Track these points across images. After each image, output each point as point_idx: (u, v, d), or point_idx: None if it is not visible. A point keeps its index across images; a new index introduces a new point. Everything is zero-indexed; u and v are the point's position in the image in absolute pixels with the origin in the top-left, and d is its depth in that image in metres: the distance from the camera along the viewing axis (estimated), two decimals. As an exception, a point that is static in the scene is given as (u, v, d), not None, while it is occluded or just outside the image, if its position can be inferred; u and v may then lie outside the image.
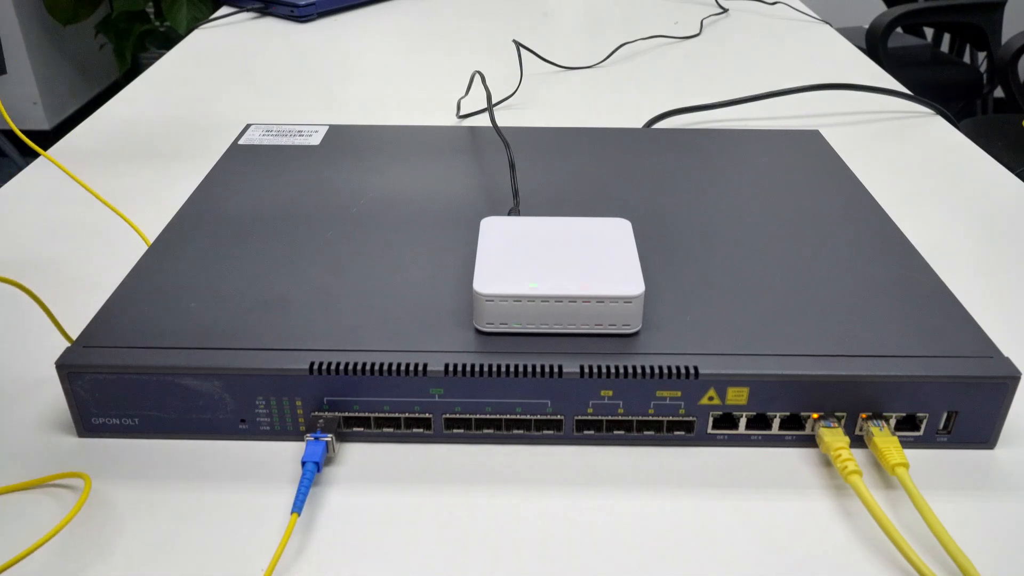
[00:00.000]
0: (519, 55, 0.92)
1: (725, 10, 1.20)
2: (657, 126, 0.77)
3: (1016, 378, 0.39)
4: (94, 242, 0.59)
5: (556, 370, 0.39)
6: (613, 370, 0.39)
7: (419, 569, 0.35)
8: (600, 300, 0.40)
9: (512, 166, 0.57)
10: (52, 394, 0.44)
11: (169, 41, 2.64)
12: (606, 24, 1.16)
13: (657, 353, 0.40)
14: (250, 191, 0.55)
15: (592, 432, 0.41)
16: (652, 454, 0.41)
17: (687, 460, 0.40)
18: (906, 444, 0.41)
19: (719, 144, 0.64)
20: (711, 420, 0.40)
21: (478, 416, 0.40)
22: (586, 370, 0.39)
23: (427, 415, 0.40)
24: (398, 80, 0.92)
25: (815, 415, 0.40)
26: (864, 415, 0.40)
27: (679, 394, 0.40)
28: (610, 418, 0.40)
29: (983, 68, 2.11)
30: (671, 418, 0.40)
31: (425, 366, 0.39)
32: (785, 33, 1.12)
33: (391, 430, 0.41)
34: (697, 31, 1.10)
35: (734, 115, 0.81)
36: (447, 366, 0.39)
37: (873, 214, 0.53)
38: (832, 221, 0.52)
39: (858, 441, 0.41)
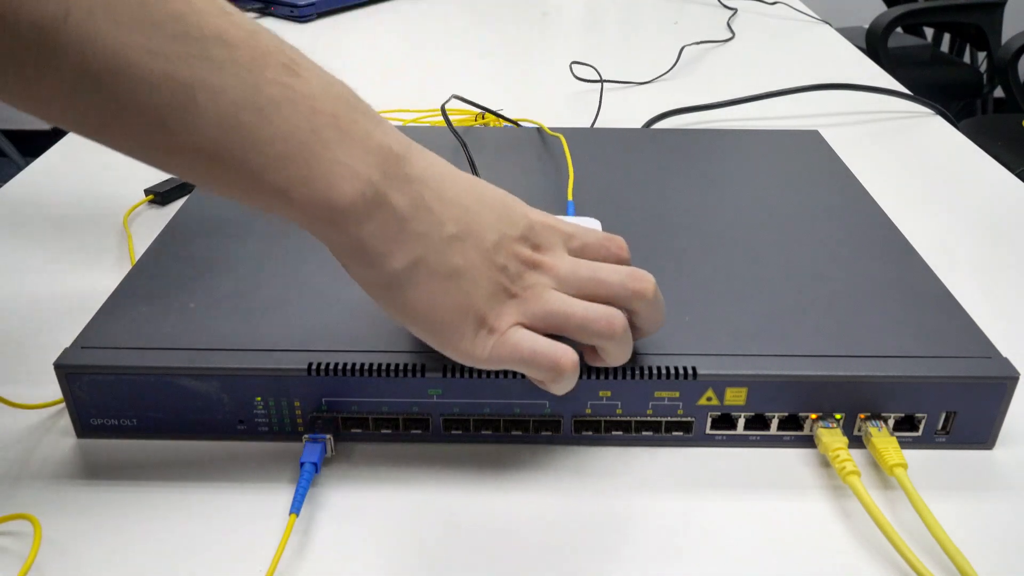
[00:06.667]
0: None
1: (734, 10, 1.20)
2: (657, 126, 0.77)
3: (1015, 378, 0.39)
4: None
5: (554, 371, 0.39)
6: (611, 370, 0.39)
7: (418, 569, 0.35)
8: None
9: (471, 163, 0.57)
10: (51, 395, 0.44)
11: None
12: (605, 24, 1.16)
13: (655, 353, 0.40)
14: (249, 191, 0.55)
15: (590, 433, 0.41)
16: (650, 455, 0.41)
17: (685, 461, 0.40)
18: (904, 444, 0.41)
19: (719, 144, 0.64)
20: (709, 420, 0.40)
21: (476, 417, 0.40)
22: (584, 370, 0.39)
23: (425, 416, 0.40)
24: (398, 80, 0.92)
25: (813, 415, 0.40)
26: (863, 415, 0.40)
27: (677, 395, 0.40)
28: (608, 419, 0.40)
29: (983, 68, 2.11)
30: (669, 419, 0.40)
31: (423, 367, 0.39)
32: (785, 33, 1.12)
33: (389, 431, 0.41)
34: (731, 35, 1.09)
35: (734, 115, 0.81)
36: (445, 367, 0.39)
37: (872, 214, 0.53)
38: (831, 221, 0.52)
39: (856, 441, 0.41)
